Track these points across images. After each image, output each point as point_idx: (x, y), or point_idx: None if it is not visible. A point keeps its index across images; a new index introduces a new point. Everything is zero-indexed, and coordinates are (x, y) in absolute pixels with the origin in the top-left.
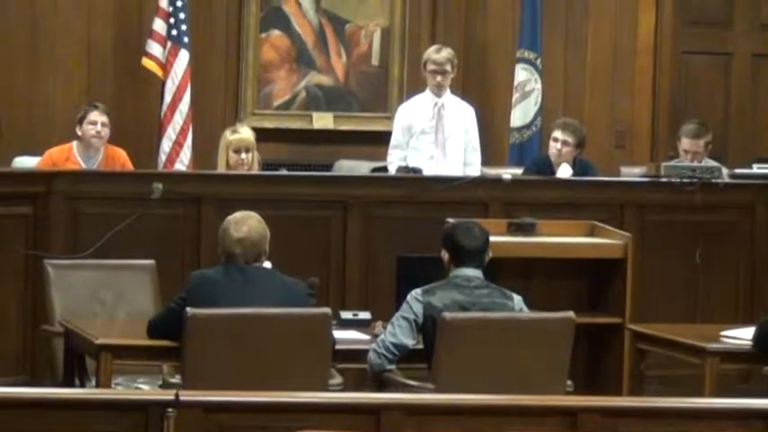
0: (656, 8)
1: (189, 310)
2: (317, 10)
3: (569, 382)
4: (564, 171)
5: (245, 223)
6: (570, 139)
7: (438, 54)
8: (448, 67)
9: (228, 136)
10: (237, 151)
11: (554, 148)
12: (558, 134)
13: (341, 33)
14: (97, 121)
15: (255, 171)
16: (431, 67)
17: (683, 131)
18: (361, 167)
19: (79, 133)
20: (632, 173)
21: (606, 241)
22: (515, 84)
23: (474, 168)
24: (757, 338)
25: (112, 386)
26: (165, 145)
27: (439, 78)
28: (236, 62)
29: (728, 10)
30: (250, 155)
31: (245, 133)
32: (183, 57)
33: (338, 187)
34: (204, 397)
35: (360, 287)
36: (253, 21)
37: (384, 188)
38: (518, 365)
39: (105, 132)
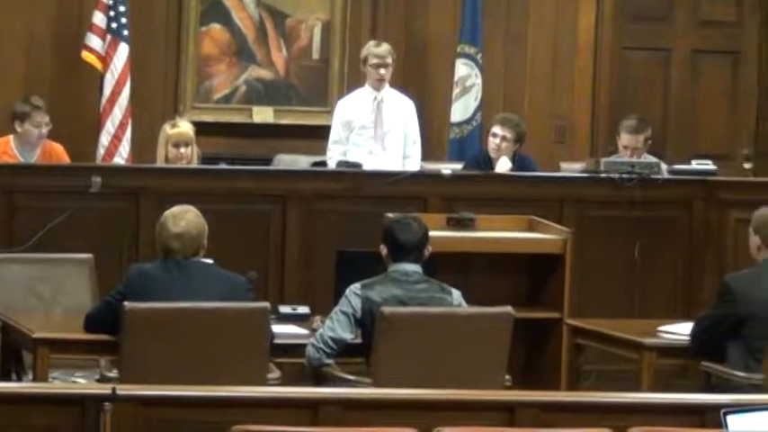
0: (597, 3)
1: (126, 304)
2: (257, 4)
3: (507, 377)
4: (503, 165)
5: (183, 218)
6: (509, 135)
7: (378, 48)
8: (389, 60)
9: (168, 130)
10: (177, 145)
11: (493, 143)
12: (497, 130)
13: (281, 27)
14: (41, 123)
15: (195, 165)
16: (373, 60)
17: (622, 127)
18: (301, 162)
19: (19, 130)
20: (572, 168)
21: (545, 236)
22: (456, 79)
23: (413, 161)
24: (695, 334)
25: (49, 380)
26: (104, 138)
27: (382, 71)
28: (176, 56)
29: (668, 6)
30: (189, 149)
31: (184, 127)
32: (123, 50)
33: (278, 181)
34: (141, 391)
35: (299, 281)
36: (193, 14)
37: (323, 182)
38: (456, 360)
39: (47, 130)
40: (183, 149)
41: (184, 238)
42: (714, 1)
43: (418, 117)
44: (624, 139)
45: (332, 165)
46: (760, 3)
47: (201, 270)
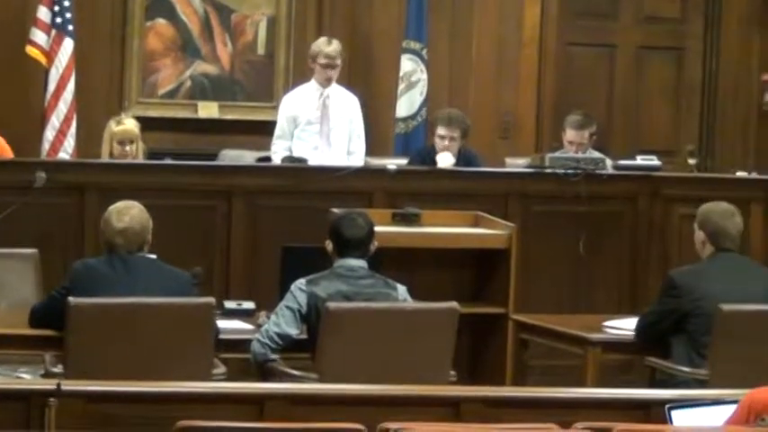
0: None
1: (71, 299)
2: None
3: (452, 372)
4: (445, 160)
5: (127, 213)
6: (456, 134)
7: (329, 47)
8: (339, 61)
9: (113, 127)
10: (121, 143)
11: (441, 144)
12: (443, 131)
13: (226, 22)
14: None
15: (140, 160)
16: (323, 60)
17: (567, 122)
18: (246, 157)
19: None
20: (517, 163)
21: (490, 232)
22: (401, 74)
23: (357, 156)
24: (639, 329)
25: None
26: (49, 134)
27: (330, 72)
28: (121, 50)
29: (613, 2)
30: (134, 146)
31: (129, 125)
32: (68, 45)
33: (223, 177)
34: (86, 387)
35: (244, 277)
36: (138, 9)
37: (269, 178)
38: (402, 355)
39: None
40: (127, 147)
41: (128, 233)
42: None
43: (363, 112)
44: (569, 134)
45: (277, 160)
46: None
47: (146, 265)
